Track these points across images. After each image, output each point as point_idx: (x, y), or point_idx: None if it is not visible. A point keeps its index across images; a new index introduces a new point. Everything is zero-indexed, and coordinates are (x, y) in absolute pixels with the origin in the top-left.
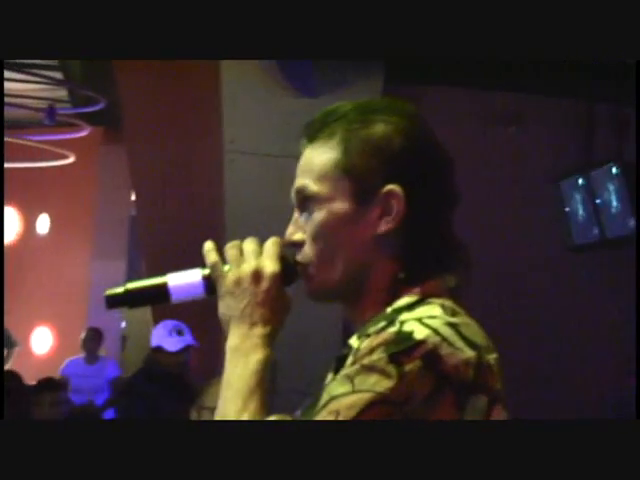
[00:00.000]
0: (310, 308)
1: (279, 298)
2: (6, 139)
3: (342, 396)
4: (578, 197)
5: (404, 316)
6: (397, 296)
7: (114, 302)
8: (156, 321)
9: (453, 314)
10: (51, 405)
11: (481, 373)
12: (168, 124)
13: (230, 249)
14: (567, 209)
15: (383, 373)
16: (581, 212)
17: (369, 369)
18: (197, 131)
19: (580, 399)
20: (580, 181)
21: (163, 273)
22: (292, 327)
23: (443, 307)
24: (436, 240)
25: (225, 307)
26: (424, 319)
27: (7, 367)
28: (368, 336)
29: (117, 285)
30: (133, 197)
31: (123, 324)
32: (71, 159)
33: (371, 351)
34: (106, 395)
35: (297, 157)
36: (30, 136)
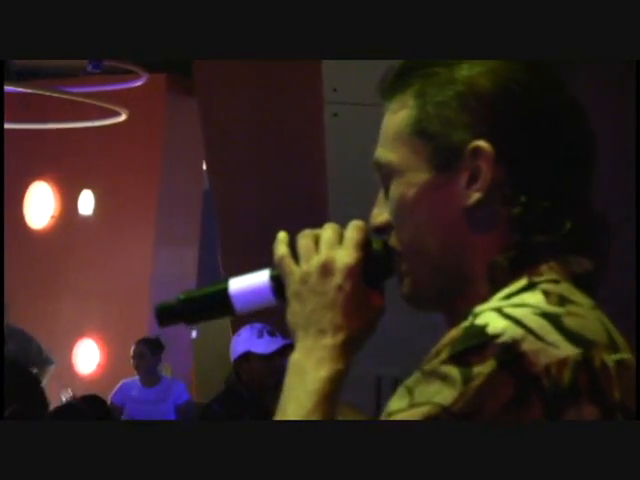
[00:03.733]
0: None
1: (358, 297)
2: (39, 91)
3: (398, 412)
4: None
5: (485, 306)
6: (502, 286)
7: (167, 317)
8: (236, 329)
9: (560, 302)
10: None
11: (588, 377)
12: (252, 69)
13: (302, 239)
14: None
15: (445, 379)
16: None
17: (430, 375)
18: (289, 79)
19: None
20: None
21: (243, 265)
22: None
23: (546, 294)
24: (551, 212)
25: (291, 313)
26: (506, 308)
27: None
28: None
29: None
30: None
31: (194, 334)
32: (122, 117)
33: (436, 354)
34: None
35: None
36: (69, 87)
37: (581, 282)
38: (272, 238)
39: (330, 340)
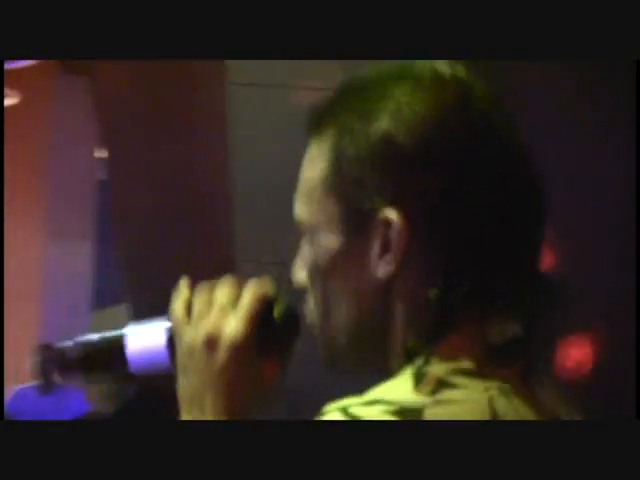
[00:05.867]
0: None
1: (246, 373)
2: None
3: None
4: None
5: (335, 404)
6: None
7: (60, 366)
8: None
9: (434, 389)
10: None
11: None
12: None
13: (197, 297)
14: None
15: None
16: None
17: None
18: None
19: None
20: None
21: (145, 264)
22: None
23: (420, 380)
24: (472, 292)
25: (178, 385)
26: (354, 407)
27: None
28: None
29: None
30: (101, 153)
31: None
32: (14, 100)
33: None
34: None
35: (320, 89)
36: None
37: (498, 352)
38: (171, 231)
39: None
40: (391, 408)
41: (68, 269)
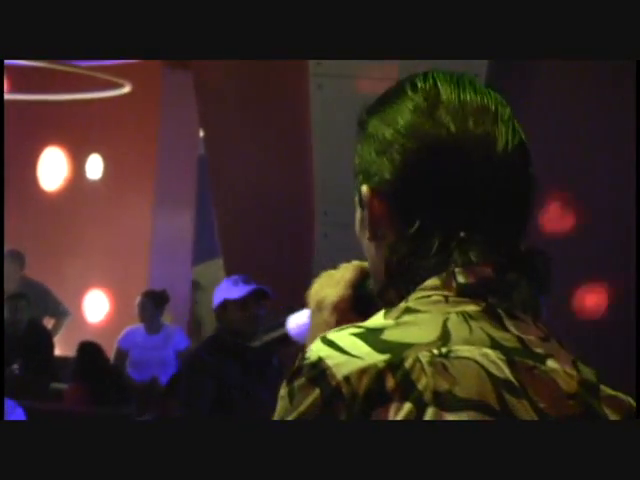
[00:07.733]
0: None
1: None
2: (48, 65)
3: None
4: None
5: (326, 333)
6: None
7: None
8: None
9: (399, 315)
10: None
11: (398, 378)
12: None
13: (323, 277)
14: None
15: (280, 398)
16: None
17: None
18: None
19: None
20: None
21: (237, 227)
22: None
23: (388, 311)
24: (426, 242)
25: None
26: (329, 334)
27: (56, 338)
28: None
29: None
30: (202, 133)
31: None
32: (127, 88)
33: None
34: (172, 370)
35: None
36: (76, 61)
37: (467, 290)
38: (259, 202)
39: None
40: (357, 330)
41: (173, 230)
